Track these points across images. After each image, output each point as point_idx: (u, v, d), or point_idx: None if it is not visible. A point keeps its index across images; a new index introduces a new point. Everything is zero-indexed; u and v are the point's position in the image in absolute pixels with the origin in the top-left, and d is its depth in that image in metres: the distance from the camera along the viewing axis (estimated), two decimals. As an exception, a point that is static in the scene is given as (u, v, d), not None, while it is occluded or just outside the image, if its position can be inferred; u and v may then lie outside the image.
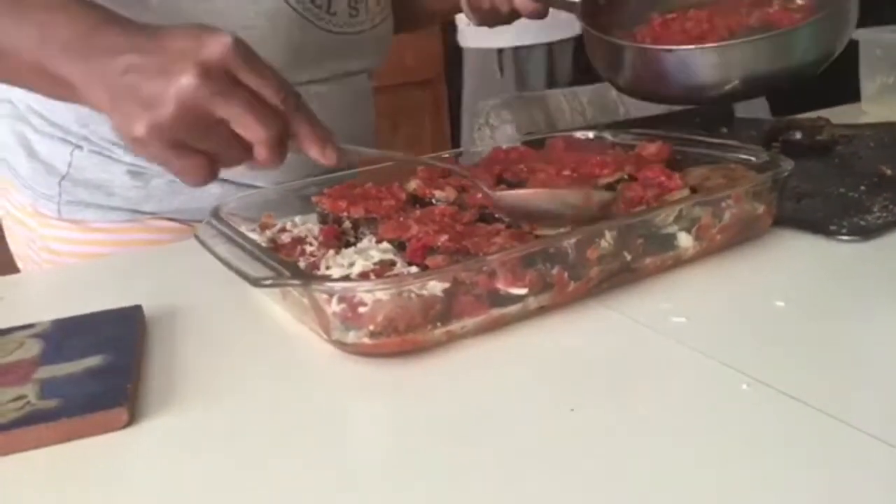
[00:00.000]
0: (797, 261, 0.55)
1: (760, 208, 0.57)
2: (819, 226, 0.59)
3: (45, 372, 0.43)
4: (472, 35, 1.84)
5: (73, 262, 0.74)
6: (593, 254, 0.49)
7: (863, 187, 0.67)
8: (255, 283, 0.44)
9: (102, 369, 0.43)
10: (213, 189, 0.74)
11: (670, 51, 0.73)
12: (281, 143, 0.49)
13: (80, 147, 0.74)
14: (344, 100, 0.81)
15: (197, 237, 0.53)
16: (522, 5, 0.79)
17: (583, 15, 0.78)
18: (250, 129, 0.47)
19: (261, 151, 0.49)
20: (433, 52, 2.36)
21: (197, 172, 0.49)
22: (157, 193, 0.75)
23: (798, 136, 0.83)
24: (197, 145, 0.47)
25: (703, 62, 0.73)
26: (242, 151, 0.49)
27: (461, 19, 1.81)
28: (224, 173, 0.73)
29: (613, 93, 0.94)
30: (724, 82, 0.73)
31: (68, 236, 0.75)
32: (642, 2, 0.84)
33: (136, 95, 0.45)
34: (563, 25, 1.68)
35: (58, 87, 0.49)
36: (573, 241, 0.48)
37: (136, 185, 0.74)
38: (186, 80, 0.44)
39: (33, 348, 0.46)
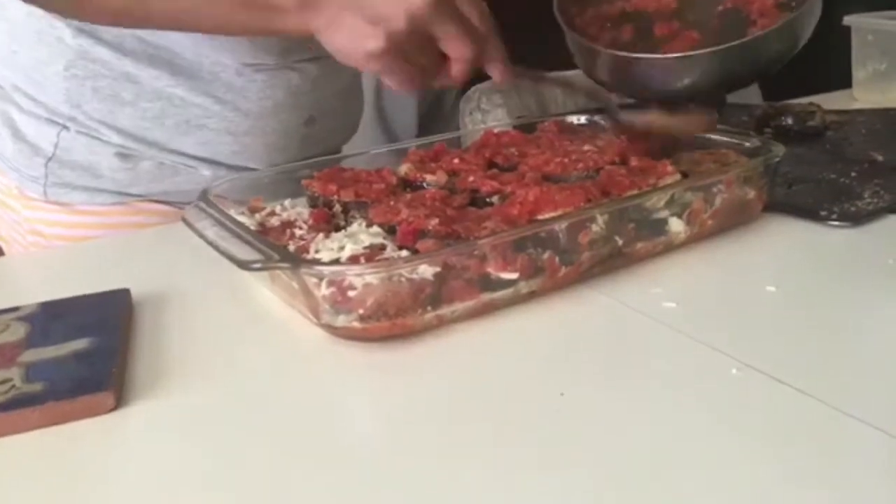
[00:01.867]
0: (788, 246, 0.55)
1: (751, 193, 0.57)
2: (810, 211, 0.59)
3: (31, 355, 0.42)
4: None
5: (59, 245, 0.74)
6: (584, 238, 0.48)
7: (854, 173, 0.67)
8: (244, 265, 0.44)
9: (88, 353, 0.42)
10: (204, 171, 0.74)
11: (637, 59, 0.74)
12: (476, 62, 0.57)
13: (66, 128, 0.72)
14: (337, 83, 0.80)
15: (185, 220, 0.53)
16: None
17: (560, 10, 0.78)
18: (458, 48, 0.55)
19: (459, 68, 0.56)
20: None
21: (413, 81, 0.57)
22: (145, 176, 0.74)
23: (789, 121, 0.83)
24: (414, 58, 0.56)
25: (669, 69, 0.74)
26: (442, 67, 0.57)
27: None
28: (215, 154, 0.74)
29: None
30: (692, 86, 0.74)
31: (54, 219, 0.74)
32: None
33: (366, 14, 0.53)
34: None
35: (266, 14, 0.56)
36: (564, 225, 0.48)
37: (125, 168, 0.73)
38: (419, 1, 0.52)
39: (19, 331, 0.46)
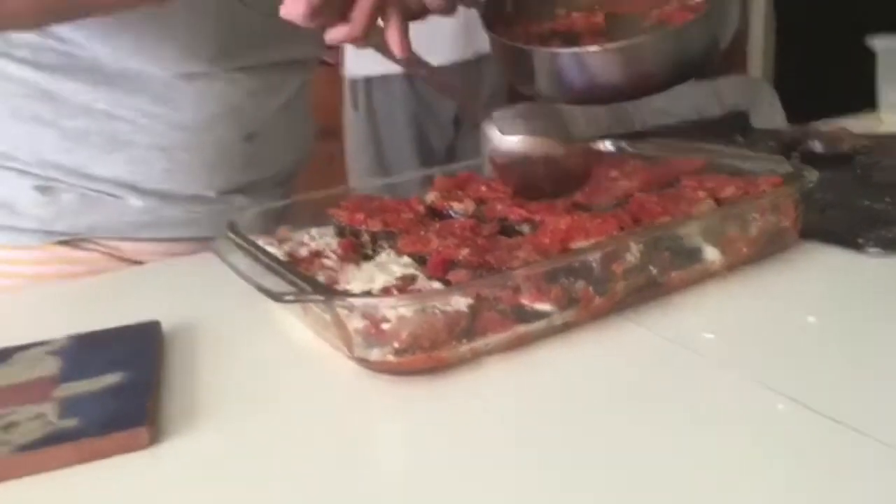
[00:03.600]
0: (825, 275, 0.54)
1: (786, 221, 0.56)
2: (846, 239, 0.58)
3: (65, 390, 0.42)
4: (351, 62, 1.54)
5: None
6: (619, 268, 0.48)
7: (887, 198, 0.66)
8: (277, 298, 0.44)
9: (122, 387, 0.42)
10: (132, 201, 0.68)
11: (557, 54, 0.72)
12: (373, 17, 0.53)
13: None
14: (279, 97, 0.75)
15: (215, 250, 0.53)
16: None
17: (485, 21, 0.78)
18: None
19: (359, 17, 0.53)
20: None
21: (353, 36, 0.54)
22: (67, 209, 0.67)
23: (817, 146, 0.82)
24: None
25: (591, 63, 0.72)
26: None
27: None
28: (147, 177, 0.68)
29: (629, 103, 0.93)
30: (615, 83, 0.73)
31: None
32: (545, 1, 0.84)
33: None
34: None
35: None
36: (598, 254, 0.47)
37: (45, 202, 0.66)
38: None
39: (52, 365, 0.45)
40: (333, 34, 0.54)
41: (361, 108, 1.51)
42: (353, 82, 1.53)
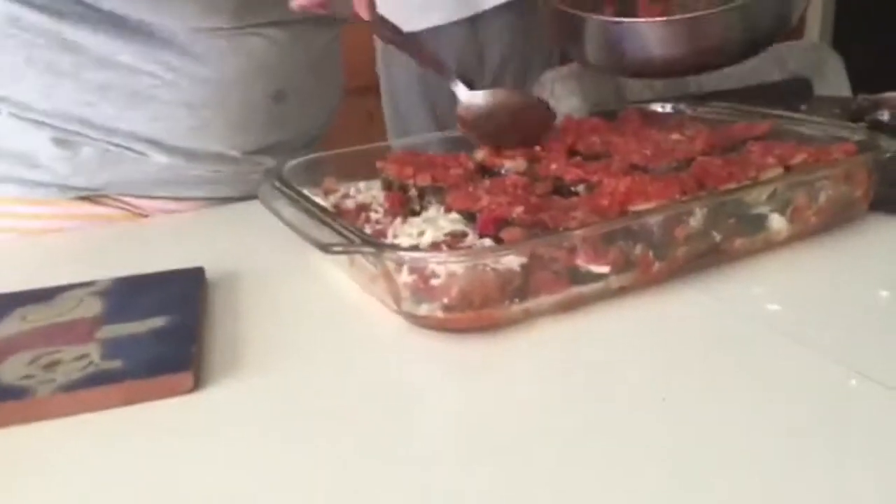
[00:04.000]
0: (896, 248, 0.51)
1: (858, 191, 0.53)
2: (917, 212, 0.55)
3: (108, 331, 0.42)
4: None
5: None
6: (681, 232, 0.45)
7: (962, 172, 0.62)
8: (325, 249, 0.42)
9: (167, 331, 0.41)
10: (156, 157, 0.66)
11: (624, 23, 0.69)
12: None
13: None
14: (309, 53, 0.72)
15: (260, 198, 0.51)
16: None
17: None
18: None
19: None
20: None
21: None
22: (87, 165, 0.66)
23: (885, 116, 0.78)
24: None
25: (657, 35, 0.69)
26: None
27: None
28: (169, 134, 0.65)
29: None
30: (675, 55, 0.69)
31: None
32: None
33: None
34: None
35: None
36: (660, 218, 0.45)
37: (64, 156, 0.65)
38: None
39: (94, 306, 0.45)
40: None
41: (380, 67, 1.44)
42: (375, 39, 1.45)
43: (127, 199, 0.70)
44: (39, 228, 0.67)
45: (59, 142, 0.64)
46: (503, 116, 0.62)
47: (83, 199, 0.68)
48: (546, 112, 0.65)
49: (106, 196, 0.69)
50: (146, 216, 0.70)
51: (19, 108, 0.64)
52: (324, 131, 0.81)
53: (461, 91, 0.63)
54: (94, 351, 0.40)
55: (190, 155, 0.68)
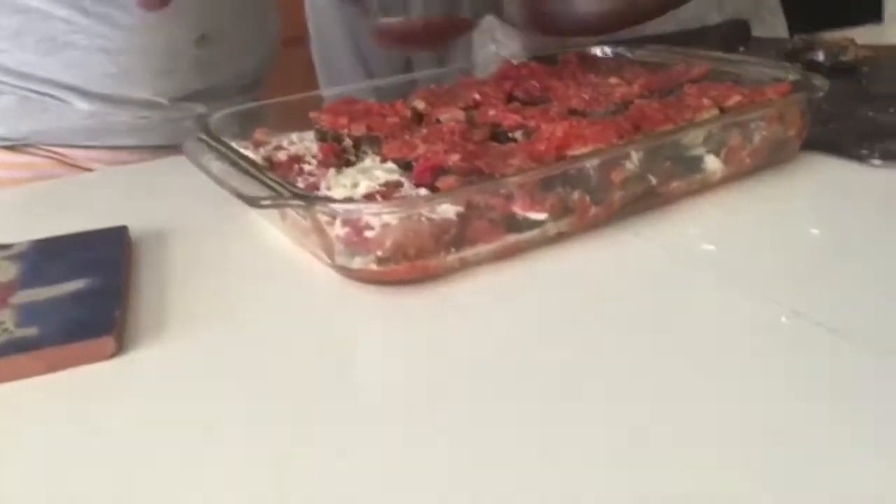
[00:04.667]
0: (828, 187, 0.51)
1: (791, 131, 0.53)
2: (849, 150, 0.55)
3: (24, 296, 0.39)
4: None
5: None
6: (618, 176, 0.45)
7: (892, 110, 0.63)
8: (253, 203, 0.41)
9: (87, 294, 0.39)
10: (78, 104, 0.64)
11: None
12: None
13: None
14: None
15: (185, 153, 0.49)
16: None
17: None
18: None
19: None
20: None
21: None
22: (8, 114, 0.64)
23: (820, 56, 0.78)
24: None
25: None
26: None
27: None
28: (88, 80, 0.63)
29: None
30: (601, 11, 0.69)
31: None
32: None
33: None
34: None
35: None
36: (596, 162, 0.44)
37: None
38: None
39: (10, 270, 0.43)
40: None
41: (308, 14, 1.35)
42: None
43: (55, 148, 0.67)
44: None
45: None
46: (416, 24, 0.62)
47: (8, 148, 0.64)
48: (461, 20, 0.64)
49: (31, 145, 0.66)
50: (76, 167, 0.67)
51: None
52: (260, 77, 0.79)
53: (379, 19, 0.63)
54: (8, 318, 0.37)
55: (112, 102, 0.65)
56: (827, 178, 0.52)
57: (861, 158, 0.54)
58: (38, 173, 0.66)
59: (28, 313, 0.38)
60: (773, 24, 0.95)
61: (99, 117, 0.65)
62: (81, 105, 0.64)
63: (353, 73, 1.24)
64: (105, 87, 0.65)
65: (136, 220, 0.49)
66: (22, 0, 0.60)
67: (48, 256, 0.44)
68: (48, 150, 0.67)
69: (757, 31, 0.92)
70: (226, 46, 0.71)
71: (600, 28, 0.72)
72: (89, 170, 0.68)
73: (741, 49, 0.86)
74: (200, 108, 0.70)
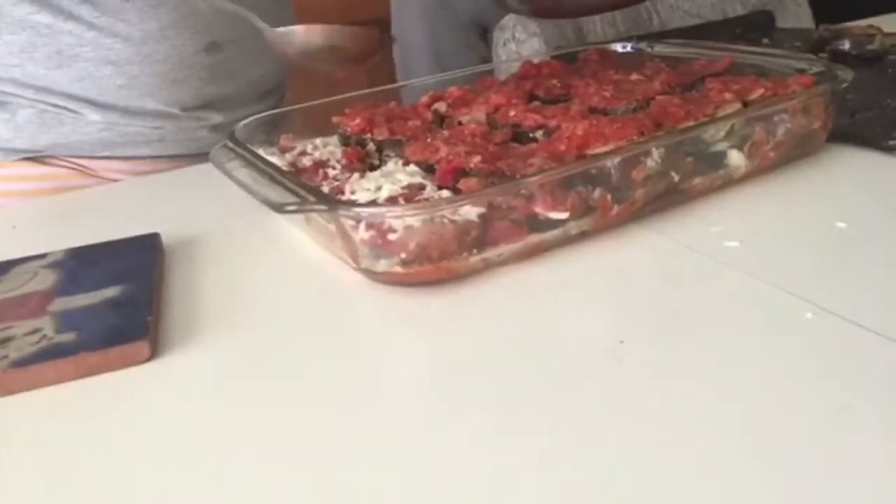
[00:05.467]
0: (855, 179, 0.51)
1: (816, 123, 0.52)
2: (876, 141, 0.55)
3: (61, 304, 0.41)
4: None
5: None
6: (639, 174, 0.45)
7: (921, 100, 0.62)
8: (279, 208, 0.41)
9: (121, 300, 0.41)
10: (91, 116, 0.65)
11: None
12: None
13: None
14: (240, 2, 0.68)
15: (213, 160, 0.50)
16: None
17: None
18: None
19: None
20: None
21: None
22: (27, 127, 0.65)
23: (846, 46, 0.77)
24: None
25: None
26: None
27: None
28: (100, 92, 0.64)
29: (647, 2, 0.88)
30: None
31: None
32: None
33: None
34: None
35: None
36: (617, 160, 0.44)
37: (2, 119, 0.64)
38: None
39: (47, 279, 0.44)
40: None
41: (393, 10, 1.35)
42: None
43: (74, 159, 0.68)
44: None
45: None
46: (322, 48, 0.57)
47: (30, 160, 0.66)
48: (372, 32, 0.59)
49: (53, 157, 0.67)
50: (97, 177, 0.69)
51: None
52: (279, 83, 0.78)
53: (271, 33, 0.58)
54: (47, 325, 0.39)
55: (125, 112, 0.66)
56: (853, 171, 0.52)
57: (889, 149, 0.54)
58: (59, 184, 0.67)
59: (66, 320, 0.39)
60: (797, 14, 0.93)
61: (113, 129, 0.66)
62: (95, 117, 0.65)
63: (427, 70, 1.25)
64: (116, 99, 0.66)
65: (167, 227, 0.51)
66: (28, 15, 0.61)
67: (83, 264, 0.46)
68: (68, 161, 0.68)
69: (781, 22, 0.91)
70: (238, 53, 0.70)
71: (600, 6, 0.71)
72: (111, 180, 0.70)
73: (765, 41, 0.85)
74: (215, 117, 0.70)
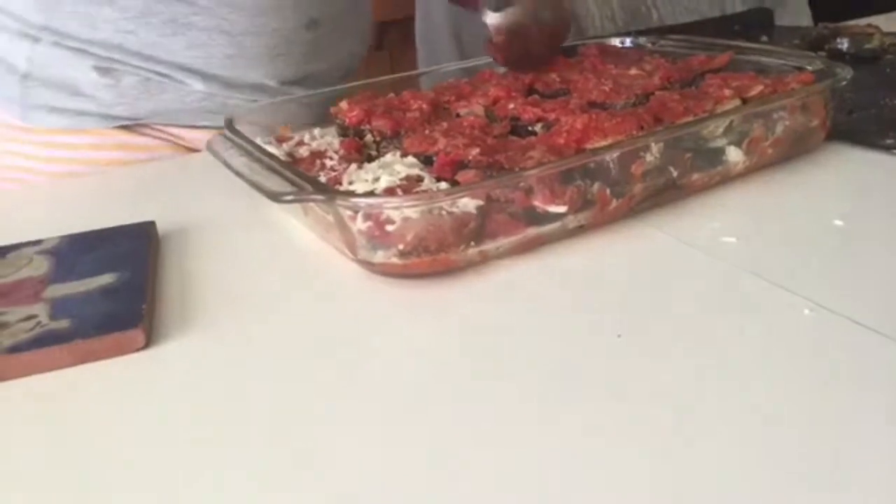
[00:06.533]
0: (853, 177, 0.51)
1: (815, 121, 0.53)
2: (874, 140, 0.55)
3: (56, 290, 0.41)
4: None
5: (38, 181, 0.68)
6: (637, 169, 0.45)
7: (919, 99, 0.62)
8: (276, 198, 0.41)
9: (116, 288, 0.40)
10: (195, 85, 0.67)
11: None
12: None
13: (39, 39, 0.65)
14: None
15: (210, 149, 0.50)
16: None
17: None
18: None
19: None
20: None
21: None
22: (129, 93, 0.66)
23: (845, 44, 0.77)
24: None
25: None
26: None
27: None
28: (209, 61, 0.66)
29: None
30: None
31: (34, 153, 0.67)
32: None
33: None
34: None
35: None
36: (616, 155, 0.44)
37: (106, 84, 0.65)
38: None
39: (42, 265, 0.44)
40: None
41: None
42: None
43: (170, 129, 0.70)
44: (82, 158, 0.68)
45: (101, 70, 0.65)
46: (531, 29, 0.60)
47: (124, 128, 0.68)
48: (566, 14, 0.63)
49: (147, 126, 0.69)
50: (189, 148, 0.70)
51: (60, 37, 0.64)
52: (357, 62, 0.80)
53: (488, 15, 0.61)
54: (41, 311, 0.39)
55: (228, 83, 0.68)
56: (850, 169, 0.52)
57: (886, 148, 0.54)
58: (152, 155, 0.69)
59: (60, 307, 0.39)
60: (796, 12, 0.93)
61: (213, 98, 0.67)
62: (198, 86, 0.67)
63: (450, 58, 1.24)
64: (223, 69, 0.67)
65: (164, 215, 0.50)
66: None
67: (78, 251, 0.45)
68: (163, 132, 0.69)
69: (781, 20, 0.91)
70: (333, 31, 0.73)
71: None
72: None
73: (764, 38, 0.85)
74: (300, 92, 0.71)
